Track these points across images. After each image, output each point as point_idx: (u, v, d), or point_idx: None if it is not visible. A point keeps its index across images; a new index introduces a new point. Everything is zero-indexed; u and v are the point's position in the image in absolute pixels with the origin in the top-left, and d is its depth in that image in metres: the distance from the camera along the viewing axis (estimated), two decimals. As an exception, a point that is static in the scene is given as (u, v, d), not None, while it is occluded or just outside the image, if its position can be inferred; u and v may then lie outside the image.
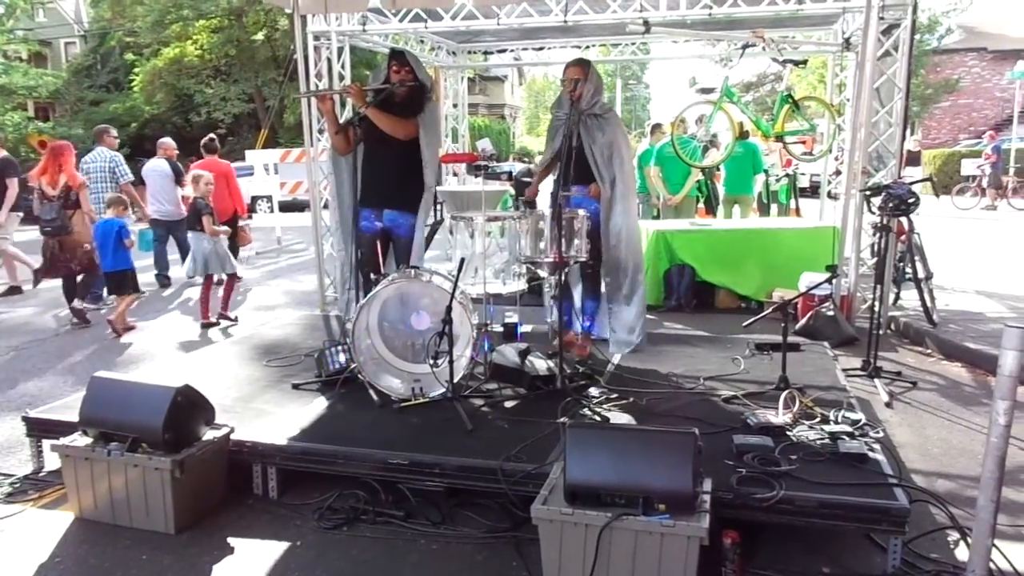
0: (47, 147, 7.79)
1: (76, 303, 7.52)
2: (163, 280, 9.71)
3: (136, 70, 28.83)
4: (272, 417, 3.89)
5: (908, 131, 10.99)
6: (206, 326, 7.21)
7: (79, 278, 7.67)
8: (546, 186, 5.44)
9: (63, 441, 3.39)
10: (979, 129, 29.09)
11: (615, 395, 4.16)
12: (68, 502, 3.45)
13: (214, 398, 3.57)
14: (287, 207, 15.81)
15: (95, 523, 3.34)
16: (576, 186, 4.69)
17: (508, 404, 4.11)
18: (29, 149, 24.42)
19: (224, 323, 7.29)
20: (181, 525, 3.25)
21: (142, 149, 31.12)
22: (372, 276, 4.53)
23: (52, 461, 3.81)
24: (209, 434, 3.44)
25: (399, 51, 4.78)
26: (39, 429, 3.91)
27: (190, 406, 3.36)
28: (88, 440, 3.37)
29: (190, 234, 7.19)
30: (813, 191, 13.74)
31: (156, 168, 9.52)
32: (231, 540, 3.20)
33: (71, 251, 7.43)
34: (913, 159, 17.93)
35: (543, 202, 5.29)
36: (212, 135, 10.34)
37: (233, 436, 3.53)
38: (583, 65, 4.82)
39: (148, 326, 7.46)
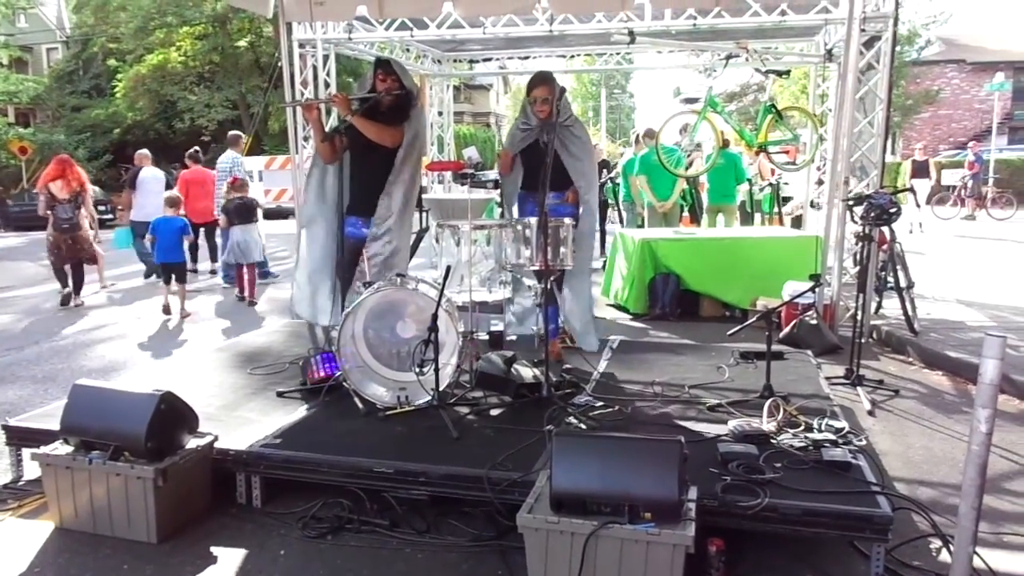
0: (56, 159, 9.01)
1: (74, 296, 8.83)
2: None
3: (119, 76, 28.63)
4: (256, 425, 3.86)
5: (890, 141, 11.09)
6: (252, 303, 8.84)
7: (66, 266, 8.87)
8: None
9: (44, 450, 3.36)
10: (958, 140, 29.50)
11: (601, 403, 4.16)
12: (48, 511, 3.40)
13: (198, 406, 3.54)
14: (272, 214, 15.75)
15: (76, 532, 3.30)
16: (551, 192, 4.72)
17: (494, 412, 4.10)
18: (8, 155, 24.23)
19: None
20: (163, 534, 3.22)
21: (124, 155, 30.94)
22: (359, 284, 4.50)
23: (32, 470, 3.76)
24: (192, 442, 3.41)
25: (384, 60, 4.77)
26: (19, 437, 3.86)
27: (173, 414, 3.33)
28: (69, 448, 3.33)
29: (236, 228, 8.75)
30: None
31: (156, 176, 10.59)
32: (214, 549, 3.17)
33: (81, 243, 8.75)
34: (920, 169, 17.19)
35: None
36: (196, 147, 11.35)
37: (217, 444, 3.50)
38: (550, 83, 4.82)
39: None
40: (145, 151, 11.04)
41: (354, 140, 4.66)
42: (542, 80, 4.88)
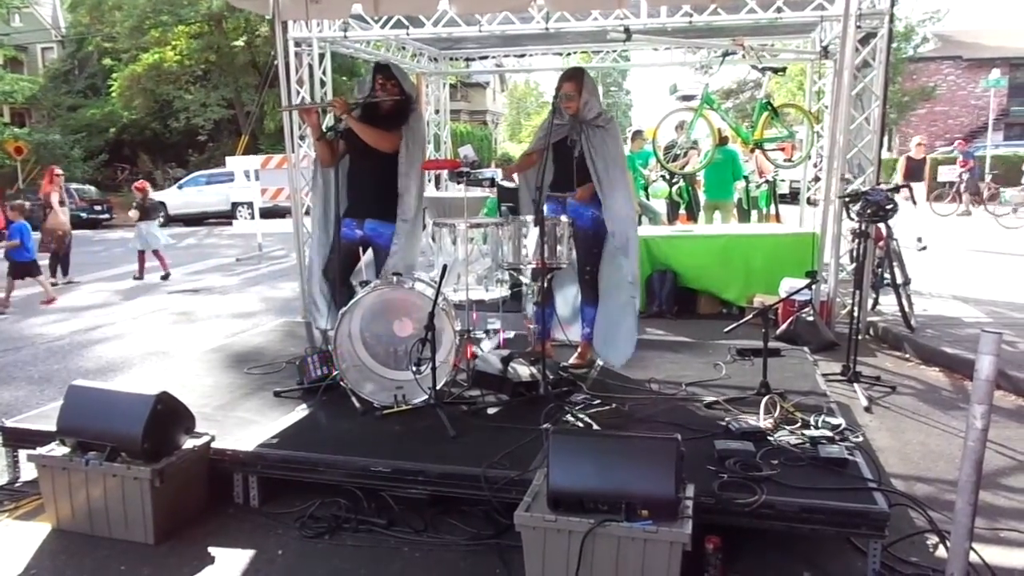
0: (48, 171, 11.69)
1: (61, 275, 10.94)
2: None
3: (114, 75, 28.52)
4: (253, 425, 3.86)
5: (887, 138, 11.00)
6: (166, 276, 11.00)
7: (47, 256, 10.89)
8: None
9: (40, 451, 3.35)
10: (955, 136, 29.54)
11: (598, 401, 4.16)
12: (45, 513, 3.40)
13: (194, 406, 3.54)
14: (267, 213, 15.73)
15: (72, 534, 3.29)
16: (571, 193, 4.70)
17: (491, 411, 4.10)
18: (4, 155, 24.16)
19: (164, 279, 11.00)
20: (161, 535, 3.21)
21: (120, 155, 30.90)
22: (354, 284, 4.48)
23: (28, 471, 3.75)
24: (189, 443, 3.40)
25: (385, 64, 4.75)
26: (15, 439, 3.86)
27: (170, 414, 3.32)
28: (66, 450, 3.33)
29: (142, 223, 11.02)
30: (792, 197, 13.85)
31: None
32: (212, 550, 3.17)
33: (50, 234, 10.90)
34: (917, 168, 14.27)
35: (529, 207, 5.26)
36: None
37: (214, 444, 3.50)
38: (576, 79, 4.68)
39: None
40: None
41: (352, 144, 4.65)
42: (569, 76, 4.73)
